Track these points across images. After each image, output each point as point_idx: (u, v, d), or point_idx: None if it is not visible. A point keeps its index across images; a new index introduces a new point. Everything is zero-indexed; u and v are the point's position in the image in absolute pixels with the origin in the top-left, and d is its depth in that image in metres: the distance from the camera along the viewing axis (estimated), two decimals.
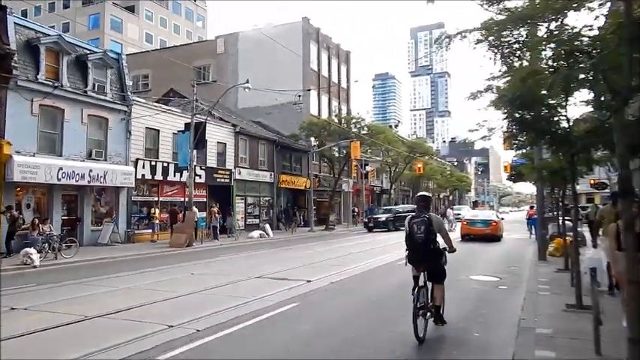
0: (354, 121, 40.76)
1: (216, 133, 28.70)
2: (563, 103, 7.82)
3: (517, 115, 7.97)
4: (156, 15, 68.36)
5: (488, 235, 23.07)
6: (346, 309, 8.44)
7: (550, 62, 5.90)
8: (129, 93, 23.34)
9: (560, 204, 16.56)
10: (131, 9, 65.23)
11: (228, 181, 29.64)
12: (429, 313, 6.55)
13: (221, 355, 5.79)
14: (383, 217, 33.73)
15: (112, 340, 6.17)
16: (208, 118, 24.74)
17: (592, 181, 28.03)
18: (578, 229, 10.85)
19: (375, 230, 32.18)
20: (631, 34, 3.54)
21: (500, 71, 7.26)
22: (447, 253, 6.88)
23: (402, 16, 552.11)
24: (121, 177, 21.85)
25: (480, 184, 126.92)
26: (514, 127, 8.53)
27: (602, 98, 6.98)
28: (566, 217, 14.64)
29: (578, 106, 8.14)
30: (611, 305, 6.79)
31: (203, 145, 24.11)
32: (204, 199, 27.95)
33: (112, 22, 61.22)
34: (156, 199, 24.82)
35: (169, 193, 25.77)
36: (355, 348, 6.07)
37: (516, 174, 24.48)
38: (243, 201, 31.68)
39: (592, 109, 8.28)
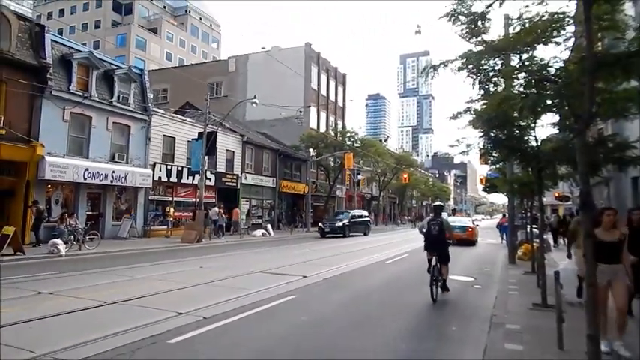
0: (348, 135, 40.89)
1: (226, 142, 28.67)
2: (533, 125, 7.88)
3: (492, 134, 8.02)
4: (176, 36, 68.56)
5: (464, 239, 23.04)
6: (338, 302, 8.41)
7: (521, 89, 5.96)
8: (149, 104, 23.33)
9: (529, 214, 16.64)
10: (154, 31, 65.45)
11: (235, 184, 29.58)
12: (439, 283, 8.73)
13: (225, 340, 5.76)
14: (340, 222, 28.24)
15: (128, 323, 6.14)
16: (219, 129, 24.74)
17: (556, 194, 28.09)
18: (544, 236, 10.89)
19: (328, 235, 26.86)
20: (591, 66, 3.58)
21: (478, 95, 7.31)
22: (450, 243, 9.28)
23: (393, 43, 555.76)
24: (140, 178, 21.80)
25: (459, 194, 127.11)
26: (489, 144, 8.58)
27: (567, 122, 7.05)
28: (533, 226, 14.70)
29: (545, 127, 8.20)
30: (574, 307, 6.81)
31: (214, 152, 24.07)
32: (214, 200, 27.88)
33: (137, 41, 61.34)
34: (170, 199, 24.76)
35: (182, 194, 25.70)
36: (345, 337, 6.05)
37: (490, 186, 24.47)
38: (248, 203, 31.60)
39: (558, 131, 8.33)
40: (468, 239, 23.08)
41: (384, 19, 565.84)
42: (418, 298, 9.07)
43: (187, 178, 25.10)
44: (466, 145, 9.11)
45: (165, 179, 24.05)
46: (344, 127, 46.91)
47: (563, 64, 5.35)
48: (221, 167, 28.31)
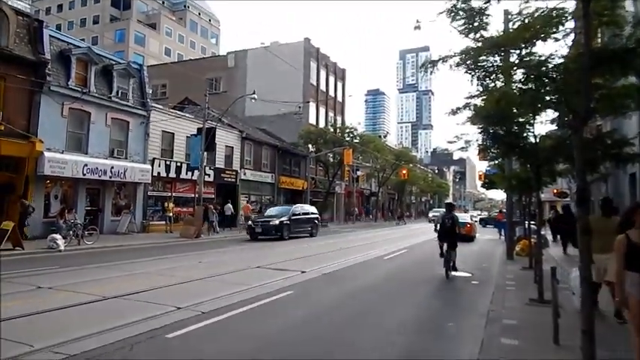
0: (347, 130, 40.84)
1: (225, 138, 28.64)
2: (531, 121, 7.88)
3: (491, 130, 8.03)
4: (174, 32, 68.32)
5: (463, 235, 23.04)
6: (336, 297, 8.44)
7: (520, 85, 5.95)
8: (148, 100, 23.28)
9: (527, 210, 16.67)
10: (153, 26, 65.22)
11: (234, 180, 29.58)
12: (450, 265, 10.83)
13: (223, 335, 5.79)
14: (276, 220, 21.11)
15: (127, 318, 6.15)
16: (218, 124, 24.72)
17: (555, 191, 28.14)
18: (541, 232, 10.92)
19: (261, 238, 20.29)
20: (588, 63, 3.58)
21: (477, 91, 7.32)
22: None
23: (392, 39, 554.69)
24: (139, 174, 21.78)
25: (457, 190, 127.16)
26: (488, 140, 8.60)
27: (565, 118, 7.05)
28: (531, 222, 14.73)
29: (544, 123, 8.22)
30: (569, 301, 6.84)
31: (213, 148, 24.06)
32: (213, 196, 27.89)
33: (136, 37, 61.13)
34: (169, 194, 24.75)
35: (181, 190, 25.69)
36: (342, 332, 6.08)
37: (489, 182, 24.55)
38: (247, 199, 31.61)
39: (556, 127, 8.35)
40: (466, 235, 23.08)
41: (384, 14, 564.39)
42: (415, 293, 9.11)
43: (186, 174, 25.09)
44: (465, 141, 9.15)
45: (164, 175, 24.04)
46: (343, 122, 46.85)
47: (562, 61, 5.35)
48: (220, 163, 28.29)
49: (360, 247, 18.71)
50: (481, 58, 5.68)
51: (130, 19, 62.81)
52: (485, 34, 5.71)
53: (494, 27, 5.90)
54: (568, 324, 5.42)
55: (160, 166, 23.62)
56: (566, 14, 5.10)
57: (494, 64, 5.83)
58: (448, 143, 11.20)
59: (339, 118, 47.85)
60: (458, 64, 5.58)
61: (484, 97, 7.40)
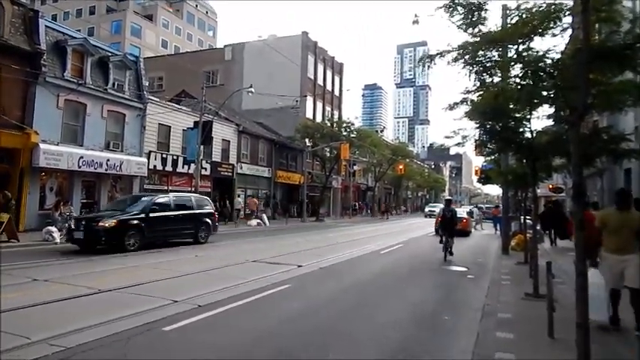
0: (344, 125, 40.78)
1: (222, 131, 28.54)
2: (528, 116, 7.89)
3: (487, 126, 8.03)
4: (171, 24, 67.76)
5: (459, 230, 23.13)
6: (332, 291, 8.47)
7: (518, 80, 5.96)
8: (145, 92, 23.13)
9: (522, 205, 16.75)
10: (150, 17, 64.64)
11: (230, 174, 29.53)
12: (448, 250, 13.43)
13: (220, 328, 5.80)
14: (111, 219, 12.83)
15: (123, 311, 6.15)
16: (215, 118, 24.63)
17: (550, 186, 28.25)
18: (537, 227, 10.97)
19: (92, 250, 12.55)
20: (587, 58, 3.58)
21: (474, 86, 7.31)
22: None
23: (390, 34, 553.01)
24: (135, 167, 21.70)
25: (454, 185, 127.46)
26: (485, 135, 8.60)
27: (562, 113, 7.07)
28: (526, 217, 14.81)
29: (541, 119, 8.24)
30: (564, 295, 6.89)
31: (209, 142, 23.97)
32: (209, 190, 27.84)
33: (132, 28, 60.59)
34: (165, 187, 24.66)
35: (178, 183, 25.61)
36: (338, 325, 6.11)
37: (485, 177, 24.60)
38: (244, 192, 31.58)
39: (552, 123, 8.36)
40: (462, 230, 23.16)
41: (382, 9, 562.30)
42: (411, 287, 9.16)
43: (183, 167, 25.01)
44: (462, 137, 9.16)
45: (161, 168, 23.96)
46: (340, 117, 46.77)
47: (559, 57, 5.36)
48: (217, 156, 28.21)
49: (356, 241, 18.77)
50: (479, 53, 5.67)
51: (127, 11, 62.17)
52: (484, 29, 5.71)
53: (493, 22, 5.91)
54: (563, 318, 5.46)
55: (156, 159, 23.53)
56: (563, 10, 5.09)
57: (492, 59, 5.83)
58: (445, 138, 11.23)
59: (336, 113, 47.75)
60: (456, 59, 5.58)
61: (481, 93, 7.41)
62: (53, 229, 14.49)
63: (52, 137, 18.08)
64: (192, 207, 15.95)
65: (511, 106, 7.30)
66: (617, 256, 5.41)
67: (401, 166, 50.24)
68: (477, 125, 8.33)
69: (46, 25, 18.63)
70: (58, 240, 14.19)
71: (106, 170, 20.20)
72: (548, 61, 5.29)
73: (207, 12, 77.21)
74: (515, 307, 7.09)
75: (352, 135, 39.97)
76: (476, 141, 9.51)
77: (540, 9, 5.20)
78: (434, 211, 44.59)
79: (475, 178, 43.40)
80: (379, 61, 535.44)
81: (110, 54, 21.90)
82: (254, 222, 26.42)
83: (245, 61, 43.50)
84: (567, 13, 5.34)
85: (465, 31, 5.80)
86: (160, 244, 14.01)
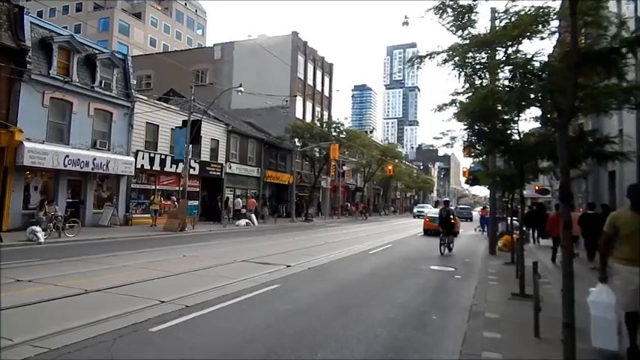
0: (334, 125, 40.83)
1: (211, 131, 28.36)
2: (516, 118, 7.98)
3: (476, 127, 8.10)
4: (160, 22, 67.16)
5: None
6: (321, 291, 8.46)
7: (506, 82, 6.02)
8: (132, 91, 22.86)
9: (509, 206, 16.94)
10: (138, 15, 63.99)
11: (219, 174, 29.34)
12: (447, 246, 15.33)
13: (207, 329, 5.75)
14: None
15: (109, 312, 6.07)
16: (204, 117, 24.44)
17: (537, 187, 28.63)
18: (523, 228, 11.10)
19: None
20: (575, 61, 3.63)
21: (463, 87, 7.37)
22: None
23: (380, 35, 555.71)
24: (122, 166, 21.44)
25: (442, 186, 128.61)
26: (473, 137, 8.67)
27: (549, 116, 7.16)
28: (513, 218, 14.98)
29: (528, 121, 8.33)
30: (550, 295, 6.98)
31: (198, 141, 23.73)
32: (197, 189, 27.68)
33: (120, 26, 59.91)
34: (153, 187, 24.44)
35: (165, 183, 25.39)
36: (327, 325, 6.10)
37: (473, 178, 24.81)
38: (232, 192, 31.41)
39: (540, 125, 8.46)
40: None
41: (372, 10, 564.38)
42: (400, 287, 9.19)
43: (171, 167, 24.78)
44: (450, 138, 9.24)
45: (148, 167, 23.70)
46: (330, 117, 46.82)
47: (547, 59, 5.43)
48: (205, 156, 28.01)
49: (345, 241, 18.79)
50: (468, 55, 5.72)
51: (115, 8, 61.42)
52: (473, 31, 5.75)
53: (482, 24, 5.96)
54: (549, 318, 5.54)
55: (143, 158, 23.27)
56: (552, 13, 5.16)
57: (481, 61, 5.88)
58: (434, 139, 11.33)
59: (325, 113, 47.80)
60: (445, 61, 5.62)
61: (470, 95, 7.47)
62: (37, 228, 14.24)
63: (37, 135, 17.77)
64: None
65: (499, 108, 7.38)
66: (633, 268, 4.24)
67: (390, 167, 50.47)
68: (466, 127, 8.40)
69: (31, 22, 18.31)
70: (42, 240, 13.96)
71: (93, 169, 19.92)
72: (537, 64, 5.36)
73: (196, 11, 76.71)
74: (502, 307, 7.16)
75: (342, 135, 40.02)
76: (464, 142, 9.59)
77: (529, 12, 5.26)
78: (422, 212, 44.93)
79: (463, 179, 43.76)
80: (369, 62, 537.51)
81: (97, 51, 21.61)
82: (243, 222, 26.29)
83: (235, 60, 43.30)
84: (555, 16, 5.42)
85: (455, 33, 5.84)
86: None
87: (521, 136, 8.24)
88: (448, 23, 5.57)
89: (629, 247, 4.31)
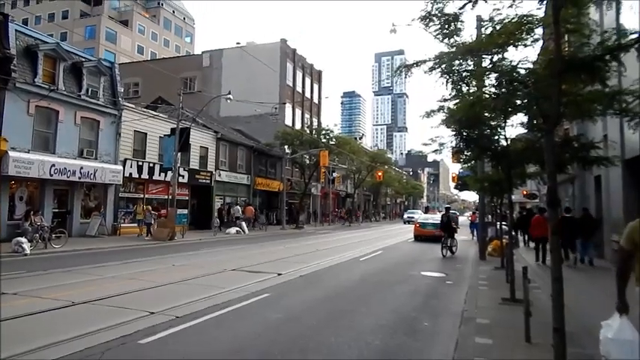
0: (323, 132, 40.91)
1: (200, 138, 28.23)
2: (503, 124, 8.08)
3: (464, 133, 8.18)
4: (147, 29, 66.93)
5: (437, 236, 23.34)
6: (312, 299, 8.43)
7: (493, 89, 6.10)
8: (120, 99, 22.70)
9: (498, 211, 17.11)
10: (125, 23, 63.70)
11: (208, 181, 29.18)
12: (449, 249, 16.65)
13: (198, 340, 5.69)
14: None
15: (97, 324, 5.98)
16: (192, 125, 24.32)
17: (524, 192, 28.94)
18: (512, 232, 11.20)
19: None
20: (559, 68, 3.70)
21: (450, 95, 7.45)
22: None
23: (368, 42, 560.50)
24: (110, 175, 21.21)
25: (432, 191, 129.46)
26: (461, 143, 8.75)
27: (535, 121, 7.28)
28: (502, 223, 15.11)
29: (515, 127, 8.44)
30: (540, 300, 7.04)
31: (187, 149, 23.64)
32: (187, 198, 27.48)
33: (107, 33, 59.56)
34: (141, 196, 24.21)
35: (154, 191, 25.17)
36: (319, 333, 6.07)
37: (462, 184, 25.06)
38: (222, 200, 31.24)
39: (526, 130, 8.58)
40: (440, 236, 23.40)
41: (360, 17, 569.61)
42: (391, 294, 9.20)
43: (159, 175, 24.59)
44: (439, 144, 9.31)
45: (137, 176, 23.49)
46: (319, 124, 46.91)
47: (532, 66, 5.52)
48: (194, 164, 27.86)
49: (336, 248, 18.78)
50: (455, 62, 5.79)
51: (101, 15, 61.09)
52: (459, 39, 5.83)
53: (468, 32, 6.05)
54: (540, 322, 5.58)
55: (131, 166, 23.06)
56: (535, 22, 5.27)
57: (468, 69, 5.96)
58: (423, 145, 11.40)
59: (315, 120, 47.91)
60: (432, 69, 5.68)
61: (457, 102, 7.56)
62: (23, 239, 13.99)
63: (23, 144, 17.52)
64: None
65: (486, 114, 7.47)
66: None
67: (380, 173, 50.66)
68: (454, 133, 8.48)
69: (16, 30, 18.13)
70: (28, 251, 13.71)
71: (80, 178, 19.68)
72: (522, 72, 5.45)
73: (184, 18, 76.62)
74: (493, 313, 7.21)
75: (331, 142, 40.11)
76: (453, 148, 9.68)
77: (513, 20, 5.36)
78: (413, 218, 45.06)
79: (452, 184, 44.15)
80: (357, 69, 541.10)
81: (84, 59, 21.44)
82: (233, 230, 26.13)
83: (223, 67, 43.28)
84: (538, 24, 5.53)
85: (442, 41, 5.92)
86: None
87: (509, 142, 8.35)
88: (435, 31, 5.65)
89: None
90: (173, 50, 69.47)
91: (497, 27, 5.71)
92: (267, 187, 36.57)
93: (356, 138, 62.09)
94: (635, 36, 4.18)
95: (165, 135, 23.37)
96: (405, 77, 6.20)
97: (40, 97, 18.24)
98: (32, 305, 6.97)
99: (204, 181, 28.67)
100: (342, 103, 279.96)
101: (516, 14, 5.45)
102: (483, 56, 6.05)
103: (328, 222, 43.91)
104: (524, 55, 5.64)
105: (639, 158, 10.53)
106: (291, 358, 5.07)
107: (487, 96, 6.15)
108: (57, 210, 19.54)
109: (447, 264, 14.46)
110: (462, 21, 5.70)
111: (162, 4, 72.22)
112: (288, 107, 42.48)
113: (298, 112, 44.82)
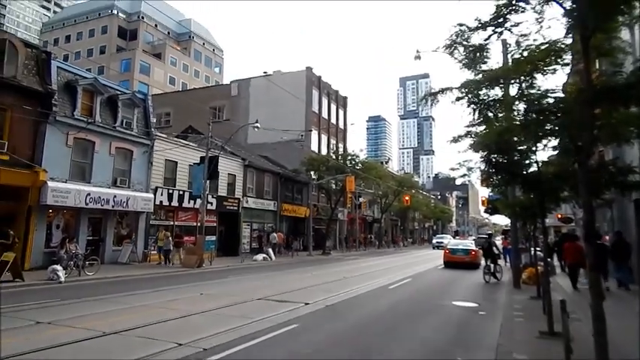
0: (349, 157, 41.00)
1: (228, 166, 28.77)
2: (533, 148, 7.88)
3: (493, 160, 8.02)
4: (179, 61, 69.76)
5: (467, 262, 22.77)
6: (340, 331, 8.25)
7: (522, 117, 5.99)
8: (152, 129, 23.50)
9: (532, 236, 16.49)
10: (158, 56, 66.68)
11: (236, 208, 29.52)
12: (491, 275, 16.93)
13: None
14: None
15: (127, 355, 6.03)
16: (221, 153, 24.87)
17: (559, 216, 27.88)
18: (547, 259, 10.75)
19: None
20: (590, 99, 3.61)
21: (477, 120, 7.35)
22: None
23: (392, 66, 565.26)
24: (142, 203, 21.78)
25: (461, 215, 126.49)
26: (490, 169, 8.58)
27: (567, 142, 7.05)
28: (537, 248, 14.55)
29: (546, 150, 8.22)
30: (581, 333, 6.66)
31: (215, 176, 24.09)
32: (215, 224, 27.82)
33: (141, 66, 62.37)
34: (172, 223, 24.67)
35: (184, 218, 25.62)
36: None
37: (492, 208, 24.38)
38: (249, 227, 31.47)
39: (557, 153, 8.33)
40: (471, 262, 22.80)
41: (384, 43, 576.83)
42: (421, 325, 8.92)
43: (189, 202, 25.06)
44: (467, 169, 9.17)
45: (167, 203, 24.02)
46: (345, 149, 47.09)
47: (562, 93, 5.41)
48: (222, 191, 28.31)
49: (363, 275, 18.47)
50: (482, 91, 5.74)
51: (136, 49, 64.27)
52: (485, 67, 5.80)
53: (494, 58, 6.00)
54: (581, 359, 5.26)
55: (162, 194, 23.64)
56: (564, 49, 5.18)
57: (495, 97, 5.89)
58: (450, 170, 11.21)
59: (340, 145, 48.15)
60: (458, 98, 5.65)
61: (485, 128, 7.45)
62: (58, 267, 14.42)
63: (61, 175, 18.30)
64: None
65: (515, 139, 7.32)
66: None
67: (407, 197, 50.07)
68: (482, 159, 8.32)
69: (57, 66, 19.21)
70: (63, 279, 14.10)
71: (113, 207, 20.28)
72: (551, 100, 5.33)
73: (213, 50, 79.54)
74: (531, 347, 6.87)
75: (357, 167, 40.09)
76: (482, 173, 9.49)
77: (541, 48, 5.29)
78: (442, 243, 44.08)
79: (482, 208, 43.07)
80: (382, 93, 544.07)
81: (119, 92, 22.42)
82: (260, 257, 26.17)
83: (250, 96, 44.38)
84: (567, 51, 5.43)
85: (468, 69, 5.89)
86: None
87: (540, 166, 8.11)
88: (460, 61, 5.63)
89: None
90: (203, 80, 71.96)
91: (524, 53, 5.64)
92: (293, 213, 36.65)
93: (382, 162, 61.86)
94: None
95: (194, 163, 23.96)
96: (431, 106, 6.19)
97: (78, 130, 19.11)
98: (66, 335, 7.11)
99: (231, 207, 29.03)
100: (367, 128, 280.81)
101: (543, 36, 5.38)
102: (511, 83, 5.98)
103: (355, 247, 43.43)
104: (552, 82, 5.56)
105: None
106: None
107: (516, 125, 6.03)
108: (91, 238, 20.11)
109: (479, 293, 13.96)
110: (487, 49, 5.68)
111: (193, 37, 75.35)
112: (314, 133, 42.93)
113: (324, 137, 45.20)
